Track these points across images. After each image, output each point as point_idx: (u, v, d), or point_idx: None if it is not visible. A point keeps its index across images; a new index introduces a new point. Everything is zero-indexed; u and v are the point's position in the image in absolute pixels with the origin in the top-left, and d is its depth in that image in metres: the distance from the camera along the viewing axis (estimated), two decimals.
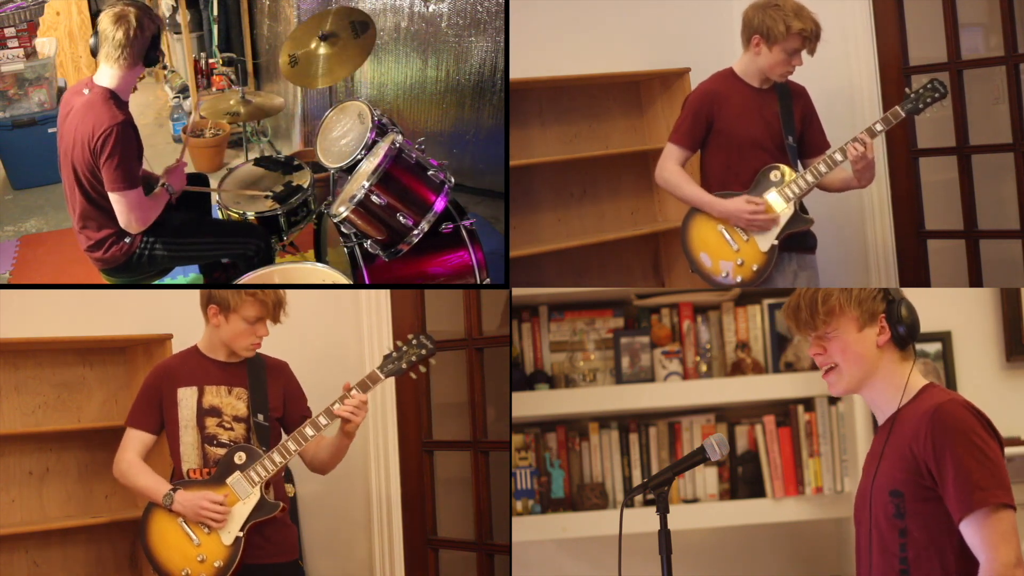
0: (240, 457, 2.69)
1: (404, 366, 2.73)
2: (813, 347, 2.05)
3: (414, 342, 2.75)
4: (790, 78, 3.24)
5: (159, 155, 5.53)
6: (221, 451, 2.71)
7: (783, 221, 3.12)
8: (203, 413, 2.74)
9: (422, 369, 2.76)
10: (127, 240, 3.26)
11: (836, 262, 3.98)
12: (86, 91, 3.13)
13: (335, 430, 2.75)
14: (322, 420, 2.69)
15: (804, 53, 3.11)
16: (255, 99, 4.28)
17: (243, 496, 2.67)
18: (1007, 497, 1.83)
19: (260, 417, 2.74)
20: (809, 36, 3.06)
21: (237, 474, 2.67)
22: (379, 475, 3.58)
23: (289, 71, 3.79)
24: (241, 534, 2.65)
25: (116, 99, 3.11)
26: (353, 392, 2.69)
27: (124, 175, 3.08)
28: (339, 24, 3.76)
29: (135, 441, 2.77)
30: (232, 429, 2.73)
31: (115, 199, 3.13)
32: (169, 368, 2.82)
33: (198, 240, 3.42)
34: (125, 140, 3.07)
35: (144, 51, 3.10)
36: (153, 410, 2.78)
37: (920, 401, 1.97)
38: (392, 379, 2.78)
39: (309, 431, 2.69)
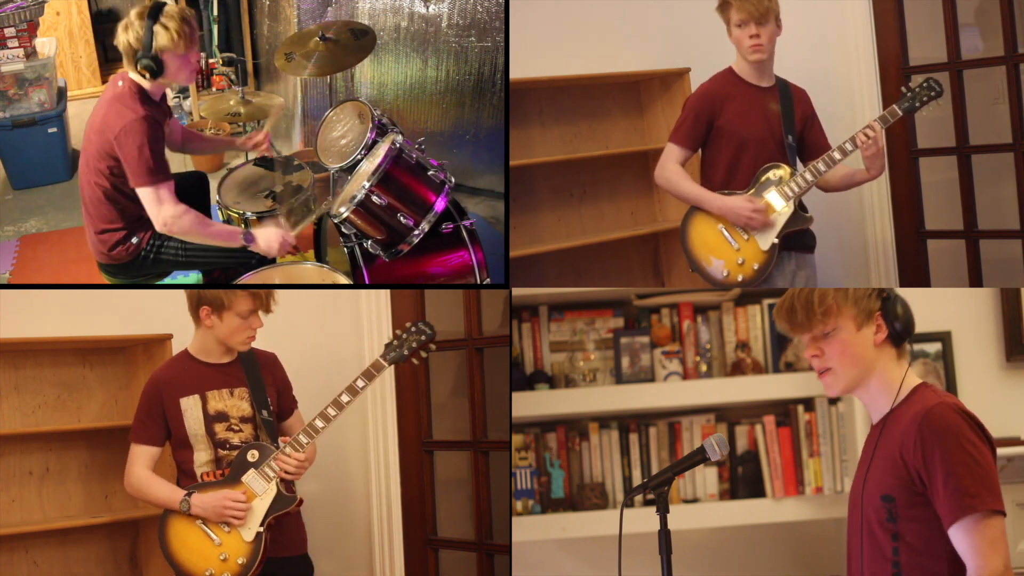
0: (253, 455, 2.71)
1: (406, 352, 2.77)
2: (810, 349, 2.02)
3: (413, 329, 2.78)
4: (791, 81, 3.25)
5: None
6: (234, 453, 2.73)
7: (783, 220, 3.12)
8: (211, 420, 2.74)
9: (423, 355, 2.79)
10: (133, 241, 3.25)
11: (836, 262, 3.98)
12: (120, 83, 3.10)
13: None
14: (331, 411, 2.72)
15: (771, 29, 3.10)
16: (255, 99, 4.28)
17: (260, 492, 2.68)
18: (996, 503, 1.82)
19: (264, 413, 2.76)
20: (744, 7, 3.07)
21: (252, 471, 2.69)
22: (379, 475, 3.58)
23: (285, 64, 3.79)
24: (262, 529, 2.67)
25: (143, 95, 3.07)
26: (289, 450, 2.70)
27: (148, 169, 3.02)
28: (340, 30, 3.77)
29: (143, 456, 2.78)
30: (241, 431, 2.75)
31: (142, 194, 3.07)
32: (166, 379, 2.81)
33: (204, 247, 3.42)
34: (144, 134, 3.01)
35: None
36: (156, 423, 2.78)
37: (911, 403, 1.95)
38: (392, 379, 2.79)
39: (319, 423, 2.72)
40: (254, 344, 2.85)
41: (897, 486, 1.90)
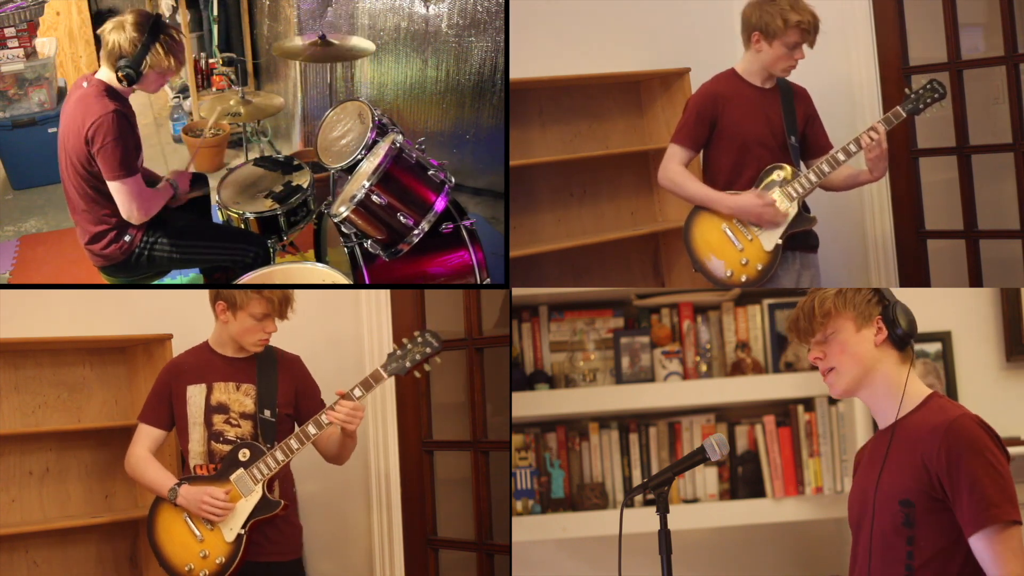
0: (244, 454, 2.70)
1: (408, 364, 2.71)
2: (813, 352, 2.07)
3: (419, 340, 2.72)
4: (792, 80, 3.24)
5: (160, 155, 5.55)
6: (227, 448, 2.73)
7: (787, 220, 3.12)
8: (211, 410, 2.75)
9: (427, 368, 2.73)
10: (126, 239, 3.27)
11: (837, 262, 3.98)
12: (85, 84, 3.15)
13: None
14: (324, 419, 2.69)
15: (805, 47, 3.11)
16: (255, 99, 4.28)
17: (246, 493, 2.68)
18: (1016, 514, 1.88)
19: (267, 413, 2.75)
20: (808, 28, 3.06)
21: (241, 471, 2.69)
22: (379, 475, 3.58)
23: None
24: (243, 531, 2.66)
25: (111, 92, 3.12)
26: (342, 401, 2.68)
27: (121, 162, 3.08)
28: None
29: (145, 436, 2.82)
30: (239, 426, 2.75)
31: (115, 188, 3.13)
32: (180, 365, 2.85)
33: (198, 243, 3.43)
34: (119, 128, 3.07)
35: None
36: (163, 406, 2.82)
37: (928, 412, 1.99)
38: (392, 379, 2.76)
39: (312, 429, 2.70)
40: (281, 346, 2.86)
41: (917, 491, 1.94)
